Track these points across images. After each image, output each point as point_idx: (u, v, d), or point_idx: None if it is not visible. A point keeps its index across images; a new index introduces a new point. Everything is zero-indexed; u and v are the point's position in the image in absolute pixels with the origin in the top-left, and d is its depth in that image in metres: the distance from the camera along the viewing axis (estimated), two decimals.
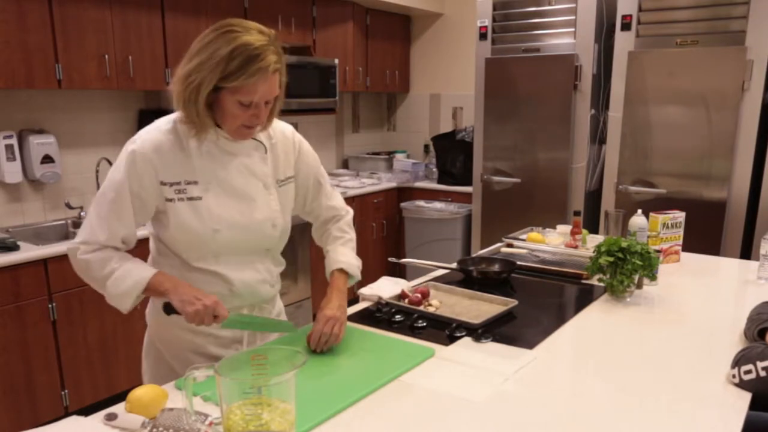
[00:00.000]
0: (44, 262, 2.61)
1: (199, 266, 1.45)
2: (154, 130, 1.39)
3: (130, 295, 1.36)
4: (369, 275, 2.61)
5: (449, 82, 5.04)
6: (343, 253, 1.63)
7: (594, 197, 3.71)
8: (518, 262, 2.20)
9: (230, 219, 1.42)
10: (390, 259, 2.51)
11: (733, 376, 1.32)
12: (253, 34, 1.30)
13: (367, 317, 1.72)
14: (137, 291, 1.36)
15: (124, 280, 1.35)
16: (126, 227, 1.38)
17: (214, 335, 1.51)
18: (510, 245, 2.48)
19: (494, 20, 3.78)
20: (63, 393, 2.75)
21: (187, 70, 1.31)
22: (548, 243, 2.45)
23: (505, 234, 2.58)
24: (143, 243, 1.49)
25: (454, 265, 2.16)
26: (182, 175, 1.39)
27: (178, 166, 1.39)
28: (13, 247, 2.58)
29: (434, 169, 4.76)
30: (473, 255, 2.38)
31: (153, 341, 1.57)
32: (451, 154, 4.54)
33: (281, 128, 1.55)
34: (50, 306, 2.65)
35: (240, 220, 1.44)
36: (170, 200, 1.39)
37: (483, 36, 3.82)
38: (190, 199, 1.39)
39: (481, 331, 1.59)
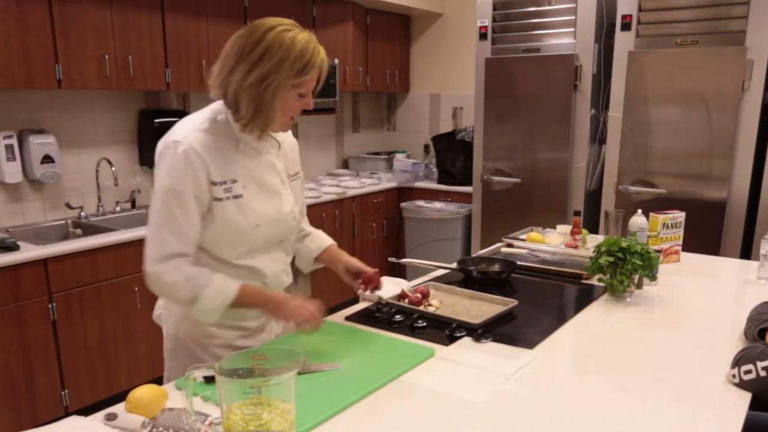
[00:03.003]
0: (44, 262, 2.61)
1: (238, 263, 1.47)
2: (194, 130, 1.39)
3: (221, 308, 1.39)
4: None
5: (449, 82, 5.04)
6: (326, 236, 1.75)
7: (594, 197, 3.71)
8: (518, 262, 2.20)
9: (267, 214, 1.48)
10: (390, 259, 2.51)
11: (733, 376, 1.32)
12: (298, 29, 1.39)
13: (367, 317, 1.72)
14: (227, 305, 1.39)
15: (215, 297, 1.38)
16: (196, 233, 1.40)
17: (242, 327, 1.55)
18: (510, 245, 2.48)
19: (494, 20, 3.78)
20: (63, 393, 2.75)
21: (262, 73, 1.34)
22: (548, 243, 2.45)
23: (505, 234, 2.58)
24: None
25: (454, 265, 2.16)
26: (227, 174, 1.42)
27: (223, 165, 1.41)
28: (13, 247, 2.58)
29: (434, 169, 4.76)
30: (473, 255, 2.38)
31: (183, 341, 1.54)
32: (451, 154, 4.54)
33: None
34: (50, 306, 2.65)
35: (273, 214, 1.50)
36: (219, 199, 1.41)
37: (483, 36, 3.82)
38: (235, 197, 1.43)
39: (481, 331, 1.59)
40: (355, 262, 1.66)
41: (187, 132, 1.38)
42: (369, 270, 1.63)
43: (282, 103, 1.39)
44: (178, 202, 1.35)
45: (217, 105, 1.45)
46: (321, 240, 1.72)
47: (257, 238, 1.47)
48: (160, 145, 1.40)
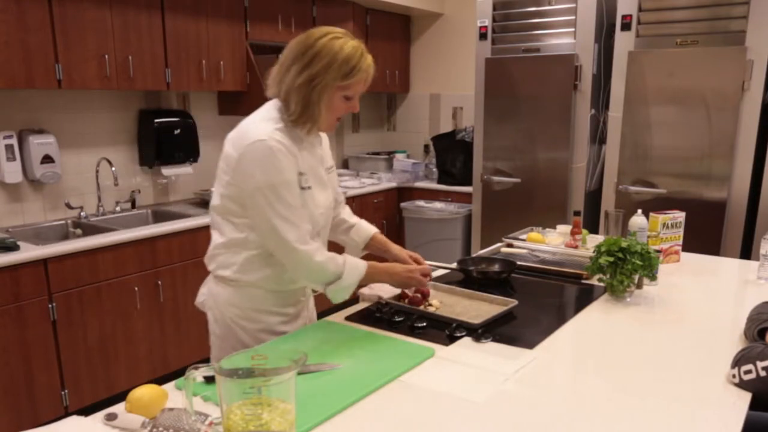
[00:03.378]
0: (44, 262, 2.61)
1: None
2: (273, 129, 1.48)
3: (354, 285, 1.57)
4: None
5: (449, 82, 5.04)
6: (368, 224, 1.89)
7: (594, 197, 3.71)
8: (518, 262, 2.20)
9: (324, 203, 1.63)
10: None
11: (733, 376, 1.33)
12: (348, 37, 1.52)
13: (367, 317, 1.72)
14: (359, 282, 1.57)
15: (353, 276, 1.56)
16: None
17: (283, 313, 1.65)
18: (510, 245, 2.48)
19: (494, 20, 3.78)
20: (63, 393, 2.75)
21: (311, 74, 1.47)
22: (548, 243, 2.45)
23: (505, 234, 2.58)
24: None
25: (454, 265, 2.16)
26: (302, 166, 1.54)
27: (299, 159, 1.53)
28: (13, 247, 2.58)
29: (434, 169, 4.76)
30: (473, 255, 2.38)
31: (230, 326, 1.61)
32: (451, 154, 4.54)
33: None
34: (50, 306, 2.65)
35: (327, 203, 1.65)
36: (302, 188, 1.53)
37: (483, 36, 3.82)
38: (308, 188, 1.56)
39: (481, 331, 1.59)
40: (402, 255, 1.79)
41: (270, 131, 1.48)
42: (412, 261, 1.77)
43: (328, 103, 1.51)
44: (291, 192, 1.48)
45: (278, 104, 1.54)
46: (365, 230, 1.87)
47: (320, 225, 1.61)
48: (237, 148, 1.48)
